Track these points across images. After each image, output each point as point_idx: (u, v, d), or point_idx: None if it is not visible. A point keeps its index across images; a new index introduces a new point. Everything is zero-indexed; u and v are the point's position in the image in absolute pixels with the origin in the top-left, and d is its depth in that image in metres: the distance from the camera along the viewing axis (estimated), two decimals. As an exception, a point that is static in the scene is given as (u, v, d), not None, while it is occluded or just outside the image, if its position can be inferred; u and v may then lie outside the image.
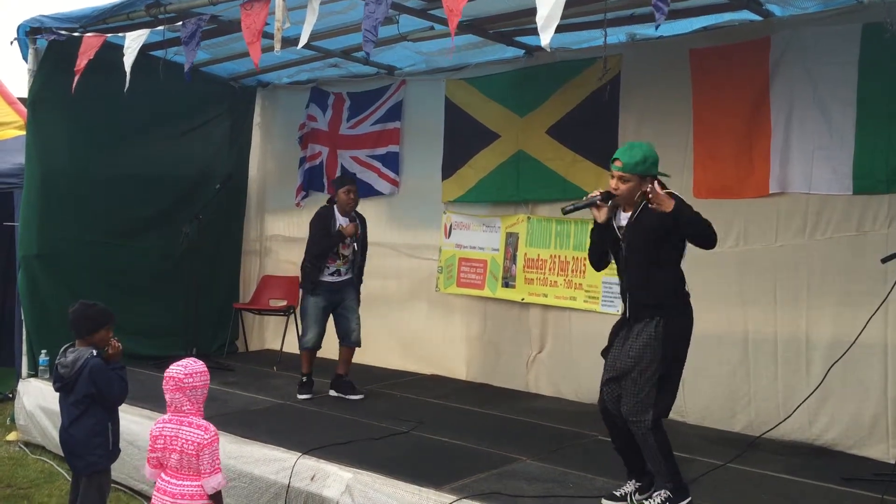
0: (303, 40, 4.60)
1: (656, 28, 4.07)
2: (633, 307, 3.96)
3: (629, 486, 4.09)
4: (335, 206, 6.25)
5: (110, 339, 4.13)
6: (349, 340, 6.27)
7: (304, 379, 6.25)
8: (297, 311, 7.06)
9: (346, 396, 6.17)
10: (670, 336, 3.85)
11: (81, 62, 5.73)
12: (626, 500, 4.05)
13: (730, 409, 5.58)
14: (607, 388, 4.01)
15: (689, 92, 5.75)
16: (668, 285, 3.92)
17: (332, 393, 6.24)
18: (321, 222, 6.22)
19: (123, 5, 5.85)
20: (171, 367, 3.57)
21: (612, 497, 4.08)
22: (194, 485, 3.48)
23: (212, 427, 3.55)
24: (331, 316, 6.29)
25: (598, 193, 3.98)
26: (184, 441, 3.48)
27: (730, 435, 5.44)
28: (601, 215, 4.01)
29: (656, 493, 3.91)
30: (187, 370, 3.54)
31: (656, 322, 3.86)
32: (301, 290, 6.43)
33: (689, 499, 3.91)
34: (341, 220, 6.20)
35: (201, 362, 3.63)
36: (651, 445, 3.87)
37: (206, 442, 3.48)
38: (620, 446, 4.10)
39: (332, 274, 6.19)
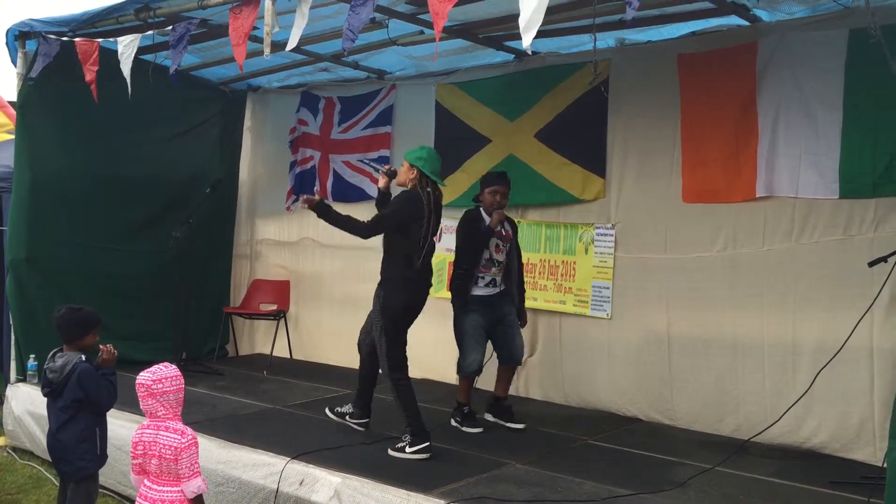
0: (291, 43, 4.60)
1: (629, 19, 3.85)
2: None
3: (347, 408, 5.41)
4: (481, 208, 5.59)
5: (98, 342, 4.12)
6: (512, 358, 5.57)
7: (466, 410, 5.55)
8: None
9: (506, 423, 5.58)
10: (387, 308, 4.86)
11: (90, 74, 5.70)
12: (343, 418, 5.36)
13: (718, 413, 5.60)
14: (363, 334, 5.29)
15: (678, 96, 5.77)
16: (388, 264, 4.96)
17: (489, 417, 5.67)
18: (469, 225, 5.51)
19: (113, 9, 5.84)
20: (141, 374, 3.57)
21: (332, 409, 5.42)
22: (174, 490, 3.48)
23: (189, 431, 3.56)
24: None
25: (389, 167, 5.28)
26: (162, 446, 3.50)
27: (718, 438, 5.45)
28: (380, 182, 5.27)
29: (403, 437, 4.85)
30: (155, 376, 3.54)
31: (379, 294, 4.93)
32: (454, 308, 5.55)
33: (428, 443, 4.79)
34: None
35: (173, 367, 3.63)
36: (394, 395, 4.93)
37: (183, 446, 3.49)
38: (359, 374, 5.37)
39: (487, 285, 5.45)
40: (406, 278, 4.87)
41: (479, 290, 5.45)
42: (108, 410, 4.14)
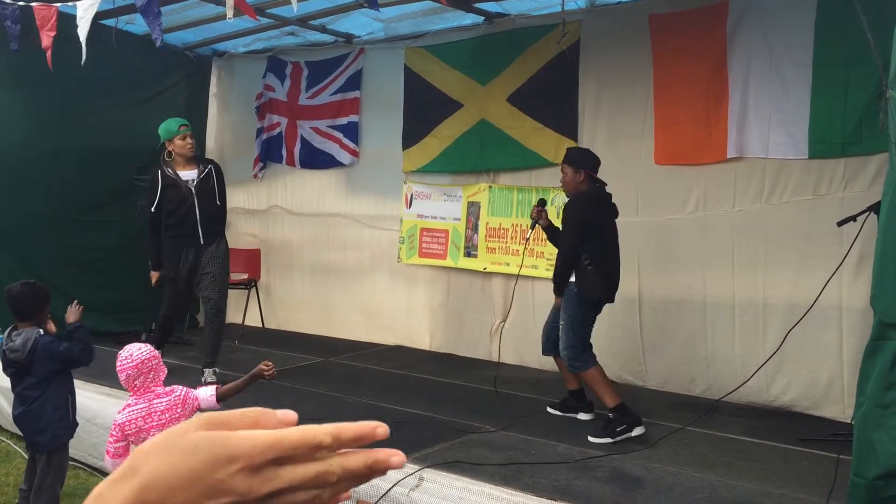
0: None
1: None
2: None
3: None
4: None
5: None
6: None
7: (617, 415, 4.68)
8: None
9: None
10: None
11: (46, 39, 5.52)
12: None
13: (689, 374, 5.65)
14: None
15: (650, 58, 5.73)
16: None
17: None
18: None
19: (70, -28, 5.66)
20: (133, 353, 3.39)
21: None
22: None
23: (174, 386, 3.51)
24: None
25: None
26: (160, 412, 3.37)
27: (690, 399, 5.51)
28: None
29: None
30: (147, 349, 3.44)
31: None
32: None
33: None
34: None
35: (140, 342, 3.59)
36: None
37: (182, 395, 3.43)
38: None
39: None
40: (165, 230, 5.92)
41: None
42: (89, 363, 4.07)
